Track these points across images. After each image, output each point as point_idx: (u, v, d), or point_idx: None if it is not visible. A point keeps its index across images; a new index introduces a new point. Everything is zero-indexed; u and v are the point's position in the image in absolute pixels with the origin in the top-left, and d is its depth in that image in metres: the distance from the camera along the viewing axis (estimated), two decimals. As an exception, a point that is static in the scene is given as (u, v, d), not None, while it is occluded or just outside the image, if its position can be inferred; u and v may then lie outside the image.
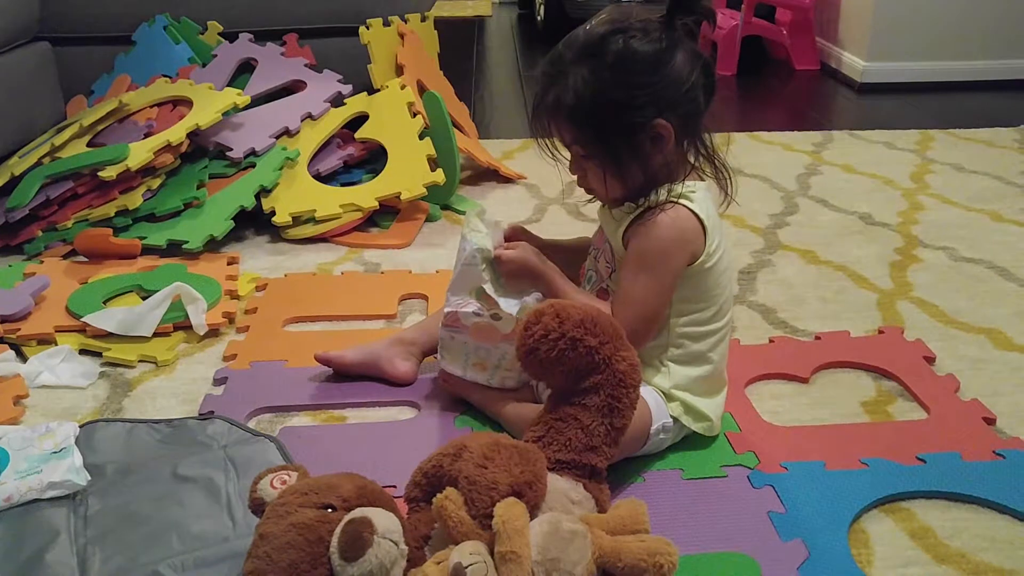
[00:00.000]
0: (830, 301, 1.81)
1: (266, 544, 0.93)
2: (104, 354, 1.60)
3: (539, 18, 5.16)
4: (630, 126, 1.22)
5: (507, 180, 2.52)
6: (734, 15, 3.97)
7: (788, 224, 2.21)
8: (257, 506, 1.02)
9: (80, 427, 1.35)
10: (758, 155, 2.71)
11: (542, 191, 2.45)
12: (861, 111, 3.39)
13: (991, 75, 3.57)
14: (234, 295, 1.81)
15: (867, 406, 1.45)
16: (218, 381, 1.53)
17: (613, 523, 0.92)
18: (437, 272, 1.94)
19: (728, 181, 1.31)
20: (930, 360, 1.57)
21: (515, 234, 1.45)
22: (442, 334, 1.39)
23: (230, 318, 1.72)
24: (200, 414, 1.43)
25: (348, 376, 1.53)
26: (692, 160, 1.29)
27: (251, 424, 1.42)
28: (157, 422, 1.39)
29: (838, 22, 3.83)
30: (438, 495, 0.95)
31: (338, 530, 0.91)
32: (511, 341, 1.31)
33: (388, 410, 1.46)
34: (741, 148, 2.75)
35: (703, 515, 1.19)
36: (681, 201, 1.24)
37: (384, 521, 0.92)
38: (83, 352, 1.62)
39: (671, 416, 1.29)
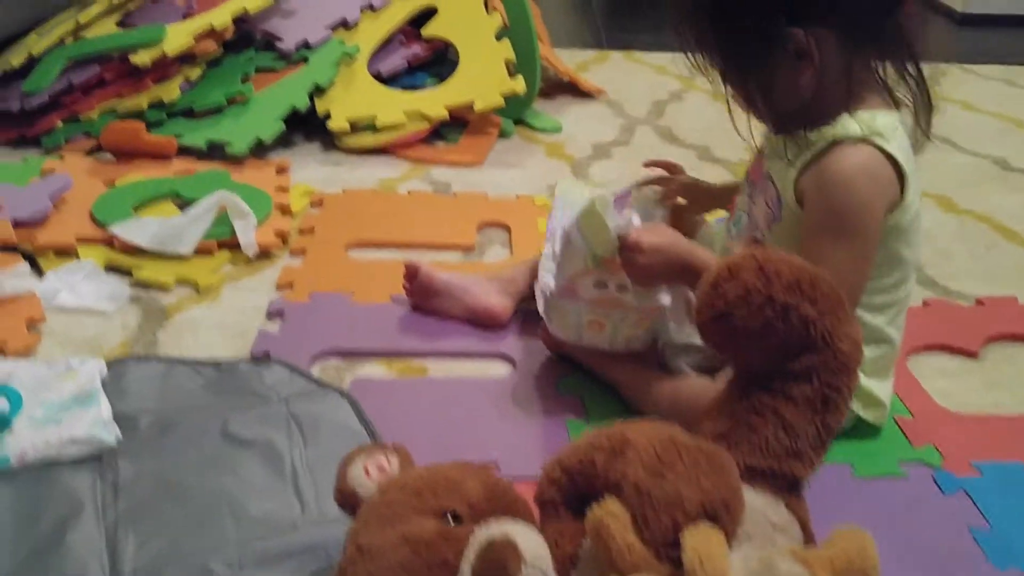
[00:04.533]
0: (981, 258, 1.54)
1: (369, 562, 0.68)
2: (134, 273, 1.35)
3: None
4: (754, 35, 0.96)
5: (585, 95, 2.22)
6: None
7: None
8: (347, 499, 0.78)
9: (107, 366, 1.11)
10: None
11: (626, 108, 2.16)
12: (966, 44, 3.06)
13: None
14: (286, 211, 1.55)
15: (1056, 392, 1.20)
16: (272, 314, 1.28)
17: (839, 564, 0.67)
18: (517, 198, 1.68)
19: (926, 112, 1.03)
20: (1123, 335, 1.31)
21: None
22: (549, 301, 1.13)
23: (283, 238, 1.46)
24: (253, 355, 1.18)
25: (428, 308, 1.28)
26: (881, 80, 1.00)
27: (315, 371, 1.17)
28: (202, 363, 1.15)
29: (940, -58, 3.46)
30: (594, 506, 0.70)
31: (471, 555, 0.66)
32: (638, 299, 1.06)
33: (476, 363, 1.21)
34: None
35: (888, 526, 0.95)
36: (872, 139, 0.96)
37: (530, 544, 0.68)
38: (109, 269, 1.36)
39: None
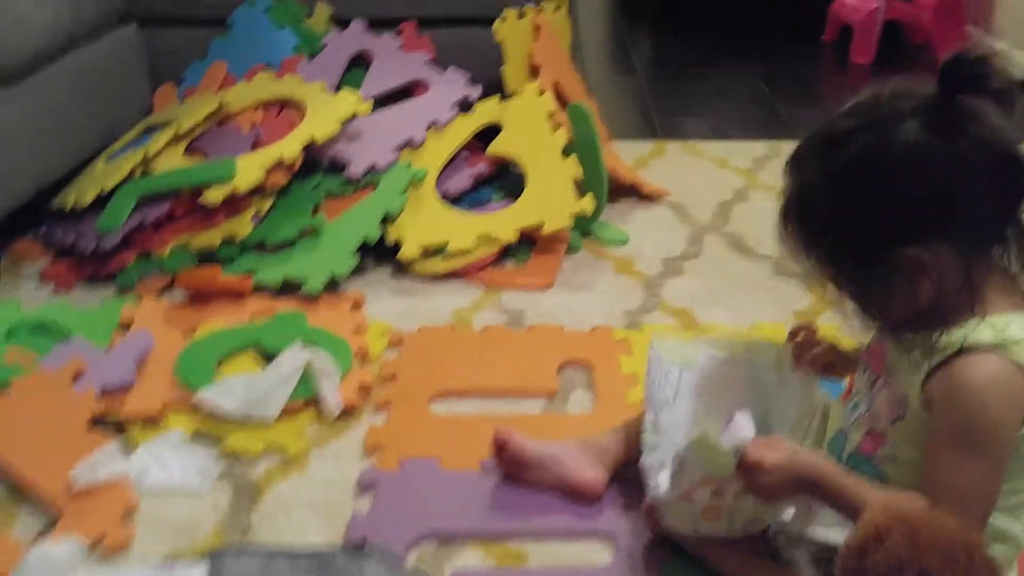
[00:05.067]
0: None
1: None
2: (223, 441, 1.34)
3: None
4: (865, 259, 0.95)
5: (648, 197, 2.20)
6: (870, -6, 3.57)
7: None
8: None
9: (207, 560, 1.09)
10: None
11: (691, 212, 2.13)
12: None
13: None
14: (365, 356, 1.53)
15: None
16: (364, 486, 1.27)
17: None
18: (593, 331, 1.65)
19: None
20: None
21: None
22: (661, 500, 1.10)
23: (367, 391, 1.44)
24: (349, 543, 1.16)
25: (519, 479, 1.25)
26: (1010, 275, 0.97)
27: (411, 558, 1.15)
28: (298, 555, 1.13)
29: (993, 7, 3.42)
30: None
31: None
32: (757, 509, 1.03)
33: (576, 545, 1.18)
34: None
35: None
36: (1006, 348, 0.92)
37: None
38: (197, 436, 1.35)
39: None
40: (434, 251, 1.83)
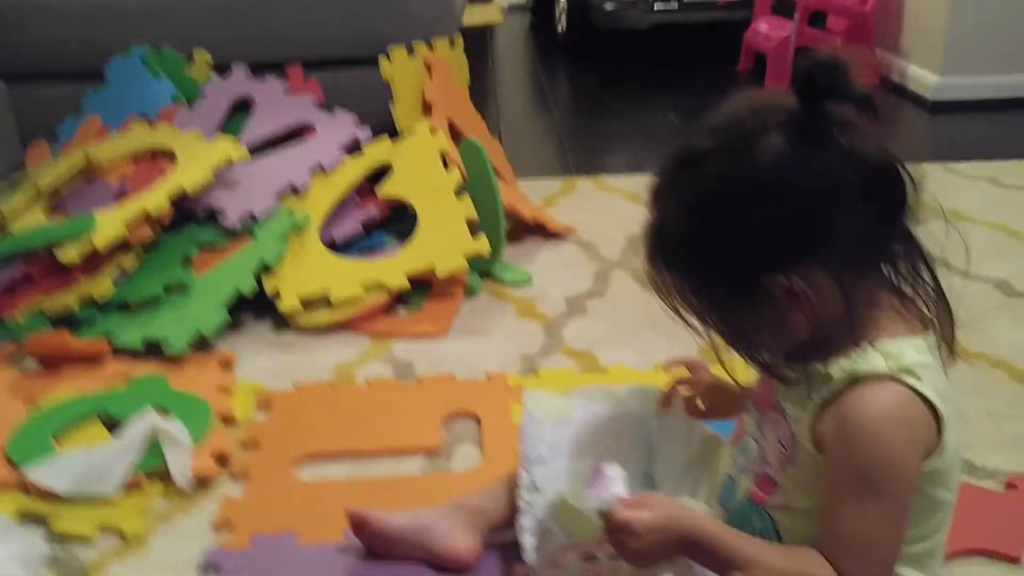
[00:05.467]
0: (1004, 419, 1.39)
1: None
2: (51, 523, 1.18)
3: (560, 28, 4.73)
4: (735, 288, 0.84)
5: (554, 235, 2.09)
6: (783, 24, 3.55)
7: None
8: None
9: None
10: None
11: (599, 249, 2.03)
12: (940, 135, 2.98)
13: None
14: (229, 420, 1.39)
15: (1114, 605, 1.04)
16: (206, 569, 1.12)
17: None
18: (488, 378, 1.53)
19: (948, 324, 0.89)
20: None
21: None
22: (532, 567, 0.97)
23: (223, 461, 1.30)
24: (182, 636, 1.01)
25: (384, 554, 1.11)
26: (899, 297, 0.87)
27: (254, 649, 1.00)
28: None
29: (901, 30, 3.41)
30: None
31: None
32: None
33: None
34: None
35: None
36: (901, 376, 0.81)
37: None
38: (24, 518, 1.20)
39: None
40: (316, 302, 1.70)
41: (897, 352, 0.82)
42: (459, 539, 1.10)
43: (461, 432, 1.39)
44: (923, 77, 3.26)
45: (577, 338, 1.66)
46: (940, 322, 0.87)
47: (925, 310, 0.87)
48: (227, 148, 1.78)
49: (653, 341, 1.62)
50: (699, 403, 1.08)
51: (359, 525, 1.11)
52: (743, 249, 0.82)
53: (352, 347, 1.65)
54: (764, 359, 0.87)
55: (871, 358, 0.82)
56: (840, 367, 0.83)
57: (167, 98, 2.05)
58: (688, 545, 0.85)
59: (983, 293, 1.80)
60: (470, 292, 1.82)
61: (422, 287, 1.80)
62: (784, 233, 0.82)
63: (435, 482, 1.28)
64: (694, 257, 0.85)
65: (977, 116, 3.06)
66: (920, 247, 0.86)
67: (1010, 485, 1.22)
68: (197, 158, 1.75)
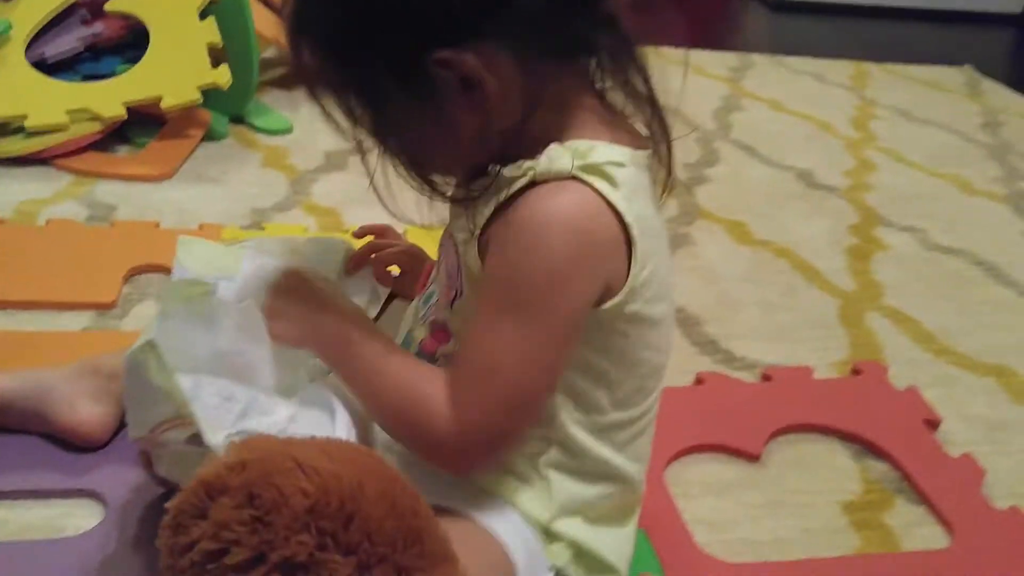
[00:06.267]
0: (776, 307, 1.26)
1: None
2: None
3: None
4: (393, 71, 0.63)
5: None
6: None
7: (708, 180, 1.64)
8: None
9: None
10: (663, 79, 2.12)
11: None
12: (778, 32, 2.86)
13: (927, 2, 3.06)
14: None
15: (852, 512, 0.91)
16: None
17: None
18: (200, 227, 1.28)
19: (663, 138, 0.70)
20: (933, 424, 1.04)
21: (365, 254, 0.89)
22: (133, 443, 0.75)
23: None
24: None
25: (-5, 424, 0.87)
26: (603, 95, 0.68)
27: None
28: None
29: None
30: None
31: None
32: None
33: (48, 507, 0.82)
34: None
35: None
36: (586, 178, 0.63)
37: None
38: None
39: (551, 566, 0.71)
40: (15, 130, 1.39)
41: (587, 149, 0.64)
42: (83, 408, 0.86)
43: (148, 287, 1.15)
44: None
45: (326, 195, 1.43)
46: (656, 143, 0.68)
47: (642, 129, 0.68)
48: None
49: (407, 204, 1.41)
50: (391, 270, 0.89)
51: (-50, 390, 0.87)
52: (400, 10, 0.60)
53: (46, 183, 1.36)
54: (435, 182, 0.67)
55: (557, 156, 0.63)
56: (518, 167, 0.63)
57: None
58: (319, 309, 0.71)
59: (784, 181, 1.67)
60: (213, 136, 1.56)
61: (153, 124, 1.51)
62: None
63: (96, 340, 1.03)
64: (341, 25, 0.63)
65: (816, 18, 2.96)
66: (632, 48, 0.66)
67: (765, 377, 1.09)
68: None
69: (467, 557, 0.65)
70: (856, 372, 1.11)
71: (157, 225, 1.27)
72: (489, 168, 0.65)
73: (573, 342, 0.65)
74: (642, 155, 0.67)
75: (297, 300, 0.73)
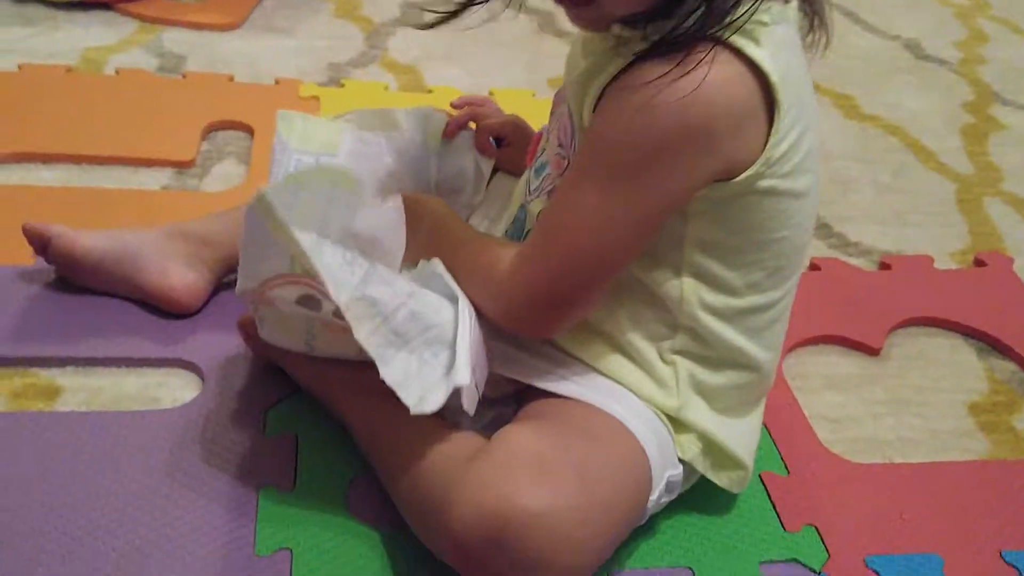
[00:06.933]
0: (890, 189, 1.17)
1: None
2: None
3: None
4: None
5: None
6: None
7: (809, 47, 1.52)
8: None
9: None
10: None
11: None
12: None
13: None
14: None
15: (978, 413, 0.86)
16: None
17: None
18: (277, 82, 1.20)
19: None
20: (1061, 321, 0.97)
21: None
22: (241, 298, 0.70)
23: None
24: None
25: (78, 286, 0.83)
26: None
27: None
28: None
29: None
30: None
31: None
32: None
33: (142, 376, 0.78)
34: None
35: None
36: (732, 40, 0.56)
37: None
38: None
39: (680, 460, 0.67)
40: (73, -30, 1.31)
41: (743, 10, 0.56)
42: (175, 273, 0.81)
43: (226, 146, 1.08)
44: None
45: (404, 51, 1.34)
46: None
47: None
48: None
49: (494, 61, 1.33)
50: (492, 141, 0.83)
51: (41, 244, 0.82)
52: None
53: (110, 29, 1.28)
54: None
55: (705, 19, 0.55)
56: (658, 27, 0.57)
57: None
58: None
59: (891, 51, 1.54)
60: (284, -18, 1.45)
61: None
62: None
63: (177, 200, 0.98)
64: None
65: None
66: None
67: (883, 265, 1.02)
68: None
69: (599, 449, 0.61)
70: (979, 263, 1.04)
71: (231, 79, 1.20)
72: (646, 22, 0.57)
73: (658, 223, 0.60)
74: (791, 8, 0.60)
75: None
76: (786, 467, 0.76)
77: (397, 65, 1.30)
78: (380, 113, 0.84)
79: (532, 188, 0.71)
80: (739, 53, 0.56)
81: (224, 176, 1.03)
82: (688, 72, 0.54)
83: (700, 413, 0.66)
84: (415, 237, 0.69)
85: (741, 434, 0.69)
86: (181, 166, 1.03)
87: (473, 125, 0.84)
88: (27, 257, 0.85)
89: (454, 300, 0.63)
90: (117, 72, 1.18)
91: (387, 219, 0.67)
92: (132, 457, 0.70)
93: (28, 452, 0.69)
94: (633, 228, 0.59)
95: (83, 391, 0.76)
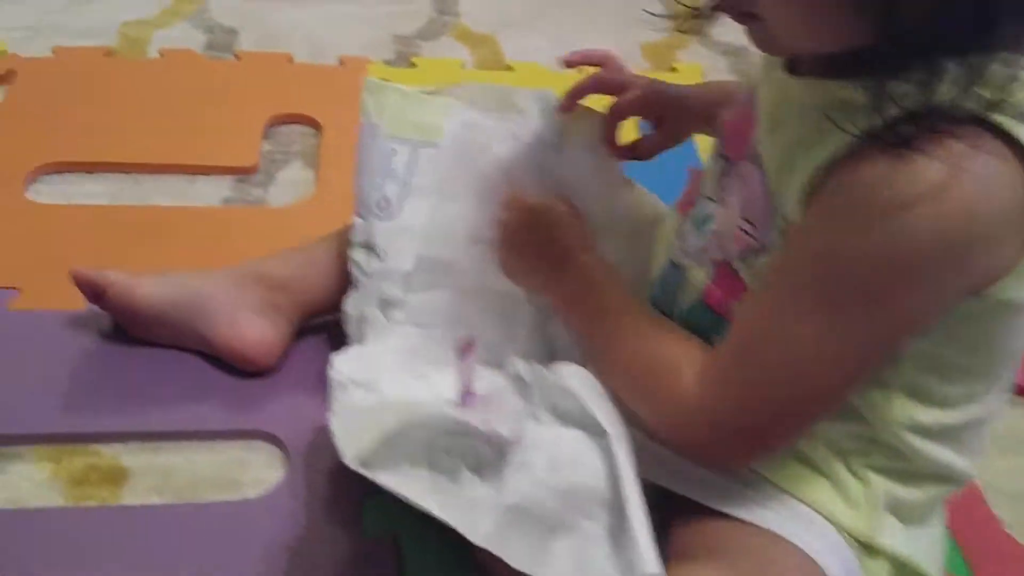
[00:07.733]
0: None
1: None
2: None
3: None
4: None
5: None
6: None
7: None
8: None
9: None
10: None
11: None
12: None
13: None
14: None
15: None
16: None
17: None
18: (341, 63, 1.07)
19: None
20: None
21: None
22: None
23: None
24: None
25: (138, 333, 0.72)
26: None
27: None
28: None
29: None
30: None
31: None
32: None
33: (218, 452, 0.68)
34: None
35: None
36: (999, 120, 0.42)
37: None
38: None
39: (865, 584, 0.56)
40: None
41: (1007, 77, 0.43)
42: (246, 324, 0.70)
43: (291, 145, 0.96)
44: None
45: (478, 18, 1.20)
46: None
47: None
48: None
49: (579, 29, 1.18)
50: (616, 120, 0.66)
51: (94, 294, 0.71)
52: None
53: (153, 2, 1.15)
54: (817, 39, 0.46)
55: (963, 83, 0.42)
56: (906, 91, 0.42)
57: None
58: (559, 262, 0.58)
59: None
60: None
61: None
62: None
63: (242, 219, 0.87)
64: None
65: None
66: None
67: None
68: None
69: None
70: None
71: (290, 59, 1.07)
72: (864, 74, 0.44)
73: (891, 352, 0.48)
74: None
75: (537, 243, 0.59)
76: (969, 569, 0.65)
77: (471, 35, 1.16)
78: (496, 91, 0.69)
79: (690, 246, 0.58)
80: (1007, 137, 0.42)
81: (291, 183, 0.92)
82: (942, 169, 0.41)
83: (893, 535, 0.55)
84: (552, 275, 0.58)
85: (930, 544, 0.58)
86: (243, 172, 0.91)
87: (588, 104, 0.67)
88: (78, 300, 0.74)
89: (599, 434, 0.51)
90: (162, 54, 1.06)
91: None
92: (216, 561, 0.60)
93: (95, 552, 0.60)
94: (863, 362, 0.47)
95: (152, 473, 0.66)
